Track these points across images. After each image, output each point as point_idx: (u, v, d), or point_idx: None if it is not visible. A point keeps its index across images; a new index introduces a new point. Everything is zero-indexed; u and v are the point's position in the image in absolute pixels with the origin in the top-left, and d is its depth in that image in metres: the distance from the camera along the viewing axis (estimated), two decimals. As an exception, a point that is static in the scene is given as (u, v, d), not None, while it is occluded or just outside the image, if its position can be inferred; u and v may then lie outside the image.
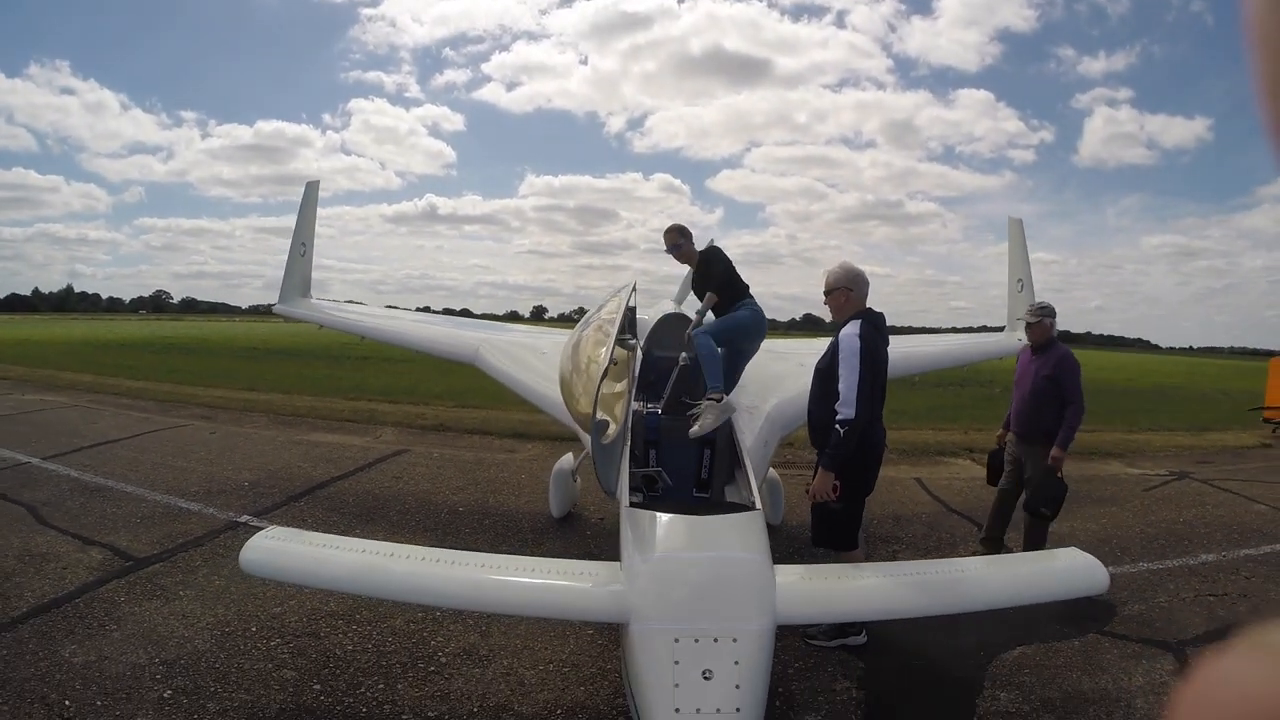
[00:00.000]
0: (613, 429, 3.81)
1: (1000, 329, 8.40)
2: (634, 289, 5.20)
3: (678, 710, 2.51)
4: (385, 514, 6.79)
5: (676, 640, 2.67)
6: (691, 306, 5.99)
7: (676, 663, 2.62)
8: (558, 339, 7.08)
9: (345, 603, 4.57)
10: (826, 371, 4.33)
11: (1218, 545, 6.54)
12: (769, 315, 5.24)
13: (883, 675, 4.11)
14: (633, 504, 3.57)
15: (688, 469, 4.66)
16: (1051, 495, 5.36)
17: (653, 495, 4.31)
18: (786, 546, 5.72)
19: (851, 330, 4.21)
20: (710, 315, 5.12)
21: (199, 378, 17.20)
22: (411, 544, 3.75)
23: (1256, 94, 0.32)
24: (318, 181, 8.53)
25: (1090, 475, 9.34)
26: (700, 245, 5.26)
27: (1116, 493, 8.57)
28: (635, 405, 4.90)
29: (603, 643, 4.25)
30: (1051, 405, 5.45)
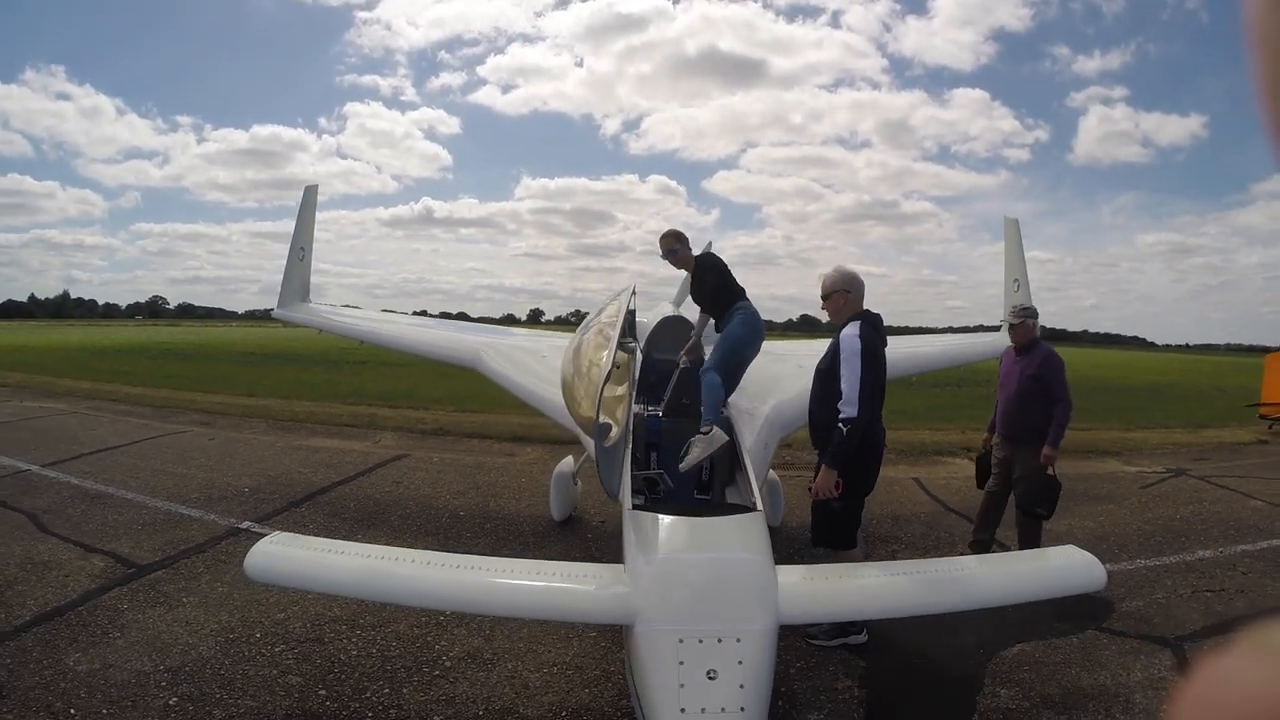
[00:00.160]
0: (615, 432, 3.84)
1: (996, 328, 8.43)
2: (634, 292, 5.23)
3: (683, 710, 2.53)
4: (386, 519, 6.80)
5: (681, 641, 2.70)
6: (689, 309, 6.01)
7: (681, 663, 2.64)
8: (557, 343, 7.11)
9: (348, 608, 4.59)
10: (827, 372, 4.39)
11: (1215, 541, 6.58)
12: (767, 316, 5.24)
13: (884, 674, 4.15)
14: (635, 506, 3.60)
15: (689, 471, 4.68)
16: (1046, 494, 5.40)
17: (654, 497, 4.34)
18: (786, 547, 5.74)
19: (851, 331, 4.28)
20: (711, 324, 5.13)
21: (197, 383, 17.22)
22: (414, 549, 3.77)
23: (1256, 94, 0.32)
24: (316, 186, 8.52)
25: (1087, 473, 9.39)
26: (699, 247, 5.27)
27: (1113, 490, 8.61)
28: (636, 408, 4.93)
29: (606, 645, 4.27)
30: (1038, 404, 5.49)
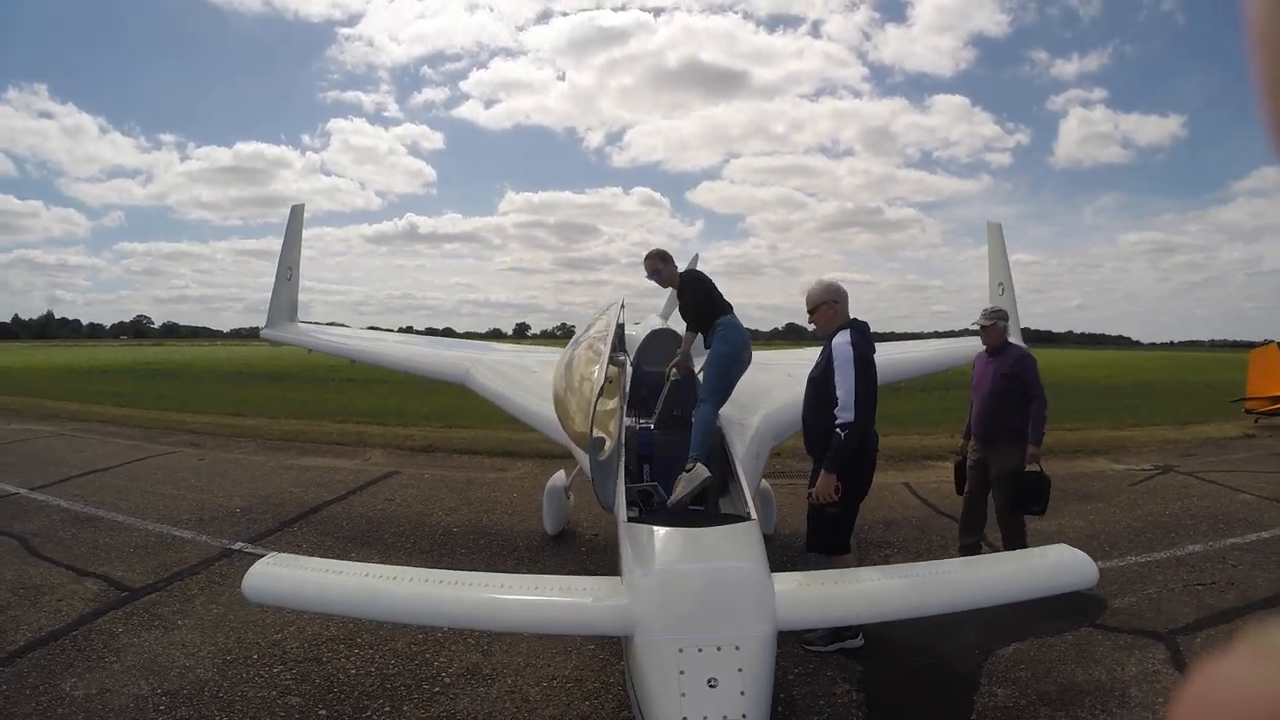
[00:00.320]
0: (608, 445, 3.86)
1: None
2: (622, 306, 5.26)
3: (685, 719, 2.55)
4: (380, 537, 6.79)
5: (681, 650, 2.71)
6: (677, 321, 6.04)
7: (682, 672, 2.66)
8: (545, 358, 7.14)
9: (345, 627, 4.58)
10: (820, 381, 4.47)
11: (1204, 536, 6.65)
12: (753, 326, 5.28)
13: (882, 677, 4.17)
14: (630, 519, 3.62)
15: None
16: (1038, 491, 5.46)
17: (649, 510, 4.36)
18: (779, 555, 5.76)
19: (843, 339, 4.37)
20: (699, 339, 5.16)
21: (184, 403, 17.12)
22: (411, 567, 3.77)
23: (1257, 94, 0.32)
24: (303, 205, 8.53)
25: (1076, 473, 9.47)
26: (686, 259, 5.31)
27: (1103, 489, 8.69)
28: (627, 421, 4.96)
29: (605, 657, 4.28)
30: (1013, 404, 5.56)
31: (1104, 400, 19.67)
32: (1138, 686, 3.96)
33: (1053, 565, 3.65)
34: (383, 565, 3.57)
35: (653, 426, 5.17)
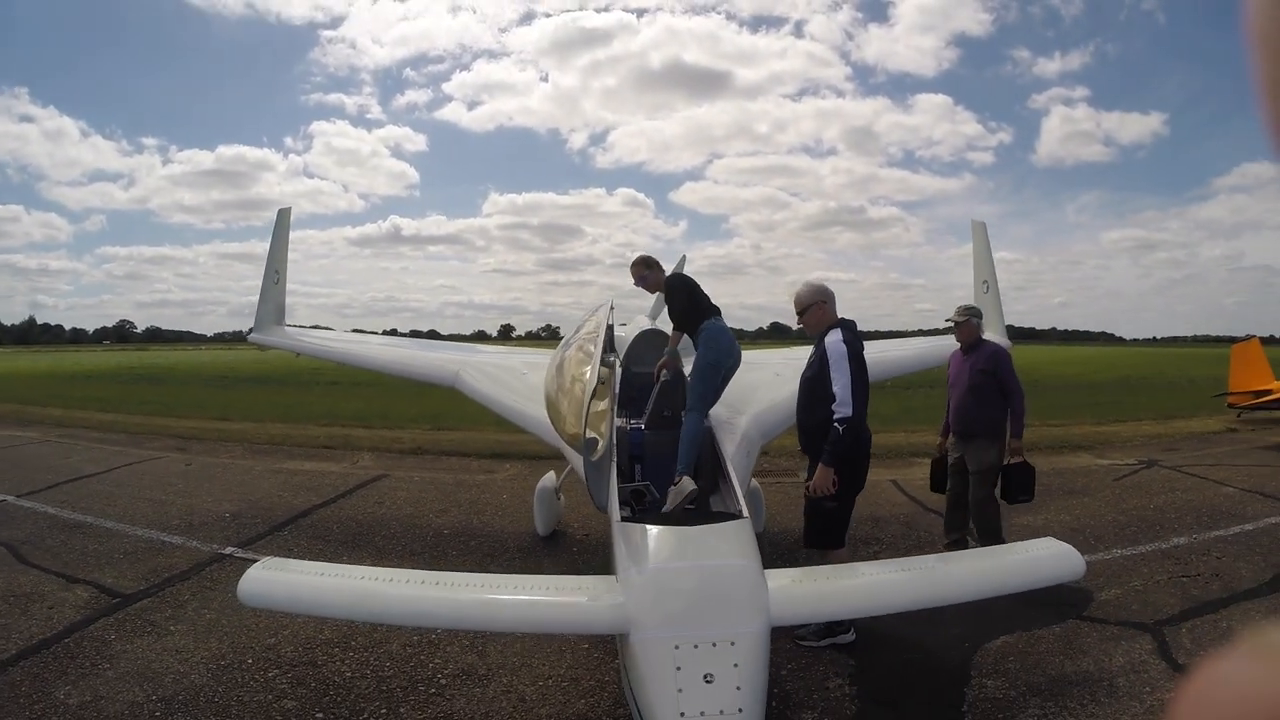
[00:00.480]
0: (601, 446, 3.89)
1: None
2: (611, 307, 5.30)
3: (683, 714, 2.58)
4: (371, 540, 6.78)
5: (677, 647, 2.74)
6: (665, 322, 6.08)
7: (678, 669, 2.69)
8: (532, 359, 7.17)
9: (339, 630, 4.59)
10: (813, 381, 4.54)
11: (1188, 528, 6.75)
12: (738, 325, 5.33)
13: (874, 670, 4.22)
14: (623, 518, 3.65)
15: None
16: (1024, 481, 5.57)
17: (641, 509, 4.39)
18: (769, 552, 5.80)
19: (836, 338, 4.47)
20: (687, 339, 5.19)
21: (169, 408, 16.99)
22: (405, 569, 3.79)
23: (1256, 94, 0.32)
24: (289, 209, 8.48)
25: (1061, 468, 9.59)
26: (673, 261, 5.36)
27: (1087, 484, 8.80)
28: (618, 421, 4.99)
29: (599, 656, 4.31)
30: (991, 399, 5.65)
31: (1087, 396, 19.85)
32: (1125, 677, 4.03)
33: (1040, 558, 3.71)
34: (378, 568, 3.58)
35: (643, 427, 5.20)
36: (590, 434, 3.61)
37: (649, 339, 5.99)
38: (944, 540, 6.07)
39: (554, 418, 3.93)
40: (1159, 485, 8.66)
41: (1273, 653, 0.31)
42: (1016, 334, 8.83)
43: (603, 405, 4.43)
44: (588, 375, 3.71)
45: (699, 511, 4.52)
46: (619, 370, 5.63)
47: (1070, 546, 3.62)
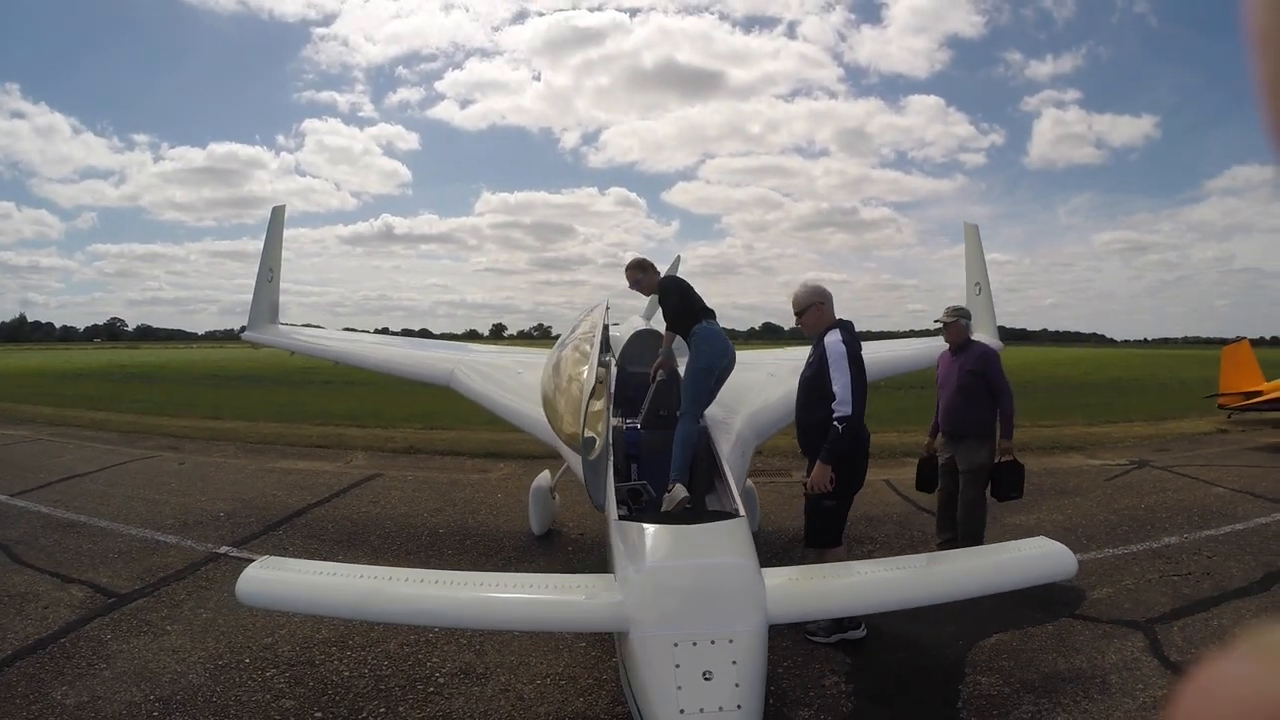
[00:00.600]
0: (598, 445, 3.91)
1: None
2: (606, 307, 5.32)
3: (682, 711, 2.60)
4: (366, 539, 6.78)
5: (675, 645, 2.77)
6: (660, 322, 6.11)
7: (677, 666, 2.71)
8: (526, 359, 7.18)
9: (336, 629, 4.59)
10: (812, 381, 4.58)
11: (1180, 528, 6.81)
12: (730, 325, 5.37)
13: (870, 668, 4.26)
14: (621, 517, 3.67)
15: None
16: (1014, 479, 5.61)
17: (638, 508, 4.41)
18: (763, 550, 5.83)
19: (835, 338, 4.52)
20: (681, 340, 5.22)
21: (162, 407, 16.93)
22: (401, 568, 3.80)
23: (1257, 93, 0.32)
24: (284, 207, 8.48)
25: (1053, 469, 9.65)
26: (667, 261, 5.39)
27: (1079, 484, 8.86)
28: (614, 421, 5.01)
29: (596, 654, 4.32)
30: (980, 399, 5.69)
31: (1079, 397, 19.99)
32: (1117, 674, 4.07)
33: (1033, 557, 3.75)
34: (377, 566, 3.59)
35: (639, 426, 5.23)
36: (588, 433, 3.63)
37: (644, 339, 6.02)
38: (937, 539, 6.10)
39: (551, 417, 3.94)
40: (1150, 485, 8.72)
41: (1272, 653, 0.31)
42: (1008, 335, 8.88)
43: (600, 405, 4.45)
44: (585, 375, 3.73)
45: (695, 511, 4.55)
46: (614, 370, 5.65)
47: (1063, 546, 3.66)
